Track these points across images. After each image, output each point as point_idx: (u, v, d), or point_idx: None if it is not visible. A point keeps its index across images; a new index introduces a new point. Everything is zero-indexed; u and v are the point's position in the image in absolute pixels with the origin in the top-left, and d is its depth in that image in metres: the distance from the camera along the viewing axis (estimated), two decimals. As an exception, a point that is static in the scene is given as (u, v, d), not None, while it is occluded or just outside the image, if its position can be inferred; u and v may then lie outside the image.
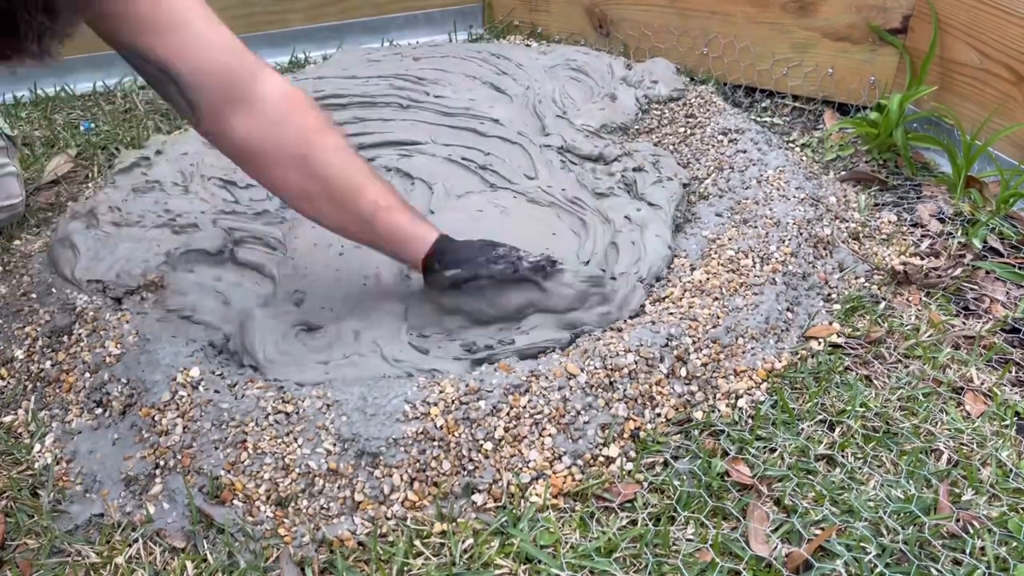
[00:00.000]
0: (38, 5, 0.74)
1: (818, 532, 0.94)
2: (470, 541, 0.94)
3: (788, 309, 1.25)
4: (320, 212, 1.09)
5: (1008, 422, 1.08)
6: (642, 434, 1.05)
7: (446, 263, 1.10)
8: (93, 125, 1.80)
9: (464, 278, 1.10)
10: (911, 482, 0.99)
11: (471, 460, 0.99)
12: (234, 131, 1.01)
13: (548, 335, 1.12)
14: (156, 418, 1.03)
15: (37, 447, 1.08)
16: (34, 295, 1.26)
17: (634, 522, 0.97)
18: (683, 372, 1.10)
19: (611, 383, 1.06)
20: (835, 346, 1.21)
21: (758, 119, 1.81)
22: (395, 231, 1.09)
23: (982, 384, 1.15)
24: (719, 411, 1.10)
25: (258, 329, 1.10)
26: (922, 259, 1.38)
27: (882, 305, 1.29)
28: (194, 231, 1.30)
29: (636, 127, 1.66)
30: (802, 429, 1.08)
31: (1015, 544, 0.92)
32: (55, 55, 0.79)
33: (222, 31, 1.00)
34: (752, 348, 1.16)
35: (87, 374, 1.12)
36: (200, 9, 0.98)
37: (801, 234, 1.36)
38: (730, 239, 1.34)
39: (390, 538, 0.95)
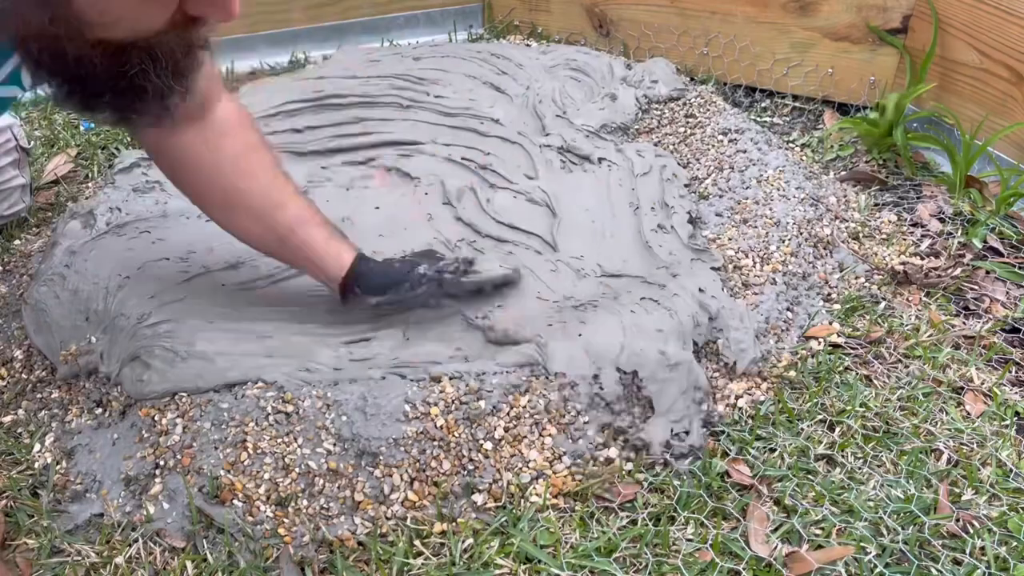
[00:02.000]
0: (167, 68, 0.77)
1: (818, 532, 0.94)
2: (470, 541, 0.94)
3: (788, 309, 1.25)
4: (240, 226, 1.11)
5: (1008, 422, 1.08)
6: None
7: (367, 287, 1.09)
8: (93, 125, 1.80)
9: (389, 303, 1.11)
10: (911, 482, 0.99)
11: (471, 460, 0.99)
12: (175, 140, 1.03)
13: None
14: (156, 418, 1.03)
15: (37, 447, 1.08)
16: (34, 295, 1.26)
17: (634, 522, 0.97)
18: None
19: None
20: (835, 346, 1.21)
21: (758, 119, 1.81)
22: (310, 248, 1.09)
23: (982, 384, 1.14)
24: (719, 411, 1.10)
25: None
26: (922, 259, 1.38)
27: (882, 305, 1.29)
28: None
29: (636, 127, 1.66)
30: (802, 429, 1.08)
31: (1015, 544, 0.92)
32: (173, 112, 0.83)
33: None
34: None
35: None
36: None
37: (801, 234, 1.36)
38: (730, 239, 1.35)
39: (390, 538, 0.95)
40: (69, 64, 0.72)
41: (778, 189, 1.44)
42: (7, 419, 1.12)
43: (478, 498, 0.98)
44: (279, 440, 0.99)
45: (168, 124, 0.86)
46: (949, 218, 1.48)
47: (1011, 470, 1.01)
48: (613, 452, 1.03)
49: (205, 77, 0.98)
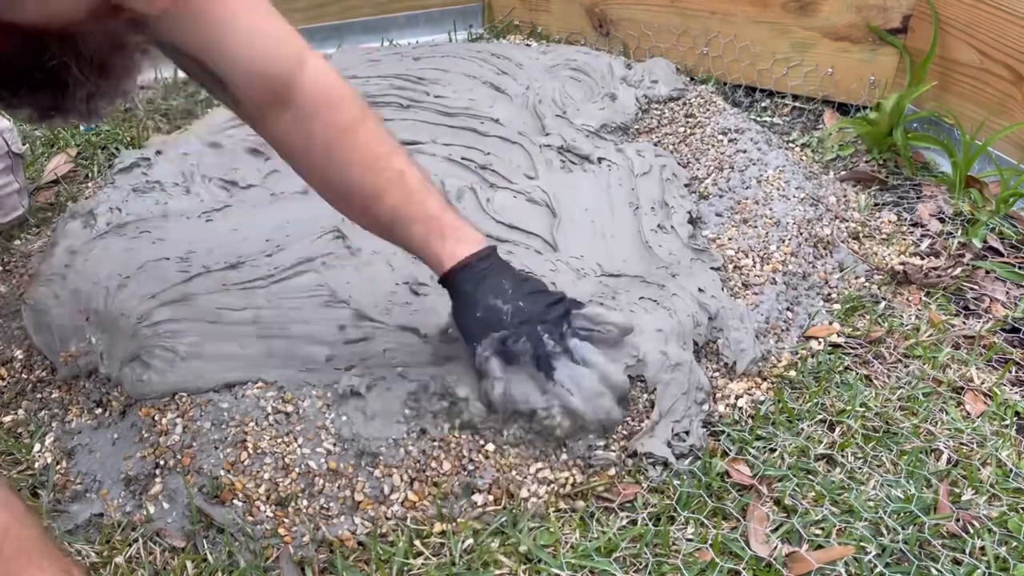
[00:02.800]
0: (92, 64, 0.71)
1: (818, 532, 0.94)
2: (470, 541, 0.94)
3: (788, 309, 1.25)
4: (344, 211, 1.06)
5: (1008, 422, 1.08)
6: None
7: (457, 321, 0.99)
8: (93, 125, 1.80)
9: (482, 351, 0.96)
10: (911, 482, 0.99)
11: (471, 460, 0.99)
12: (269, 127, 0.99)
13: None
14: (156, 418, 1.03)
15: (37, 447, 1.08)
16: (34, 295, 1.26)
17: (634, 522, 0.97)
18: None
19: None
20: (835, 346, 1.21)
21: (758, 119, 1.81)
22: (410, 249, 1.02)
23: (982, 384, 1.14)
24: (719, 411, 1.10)
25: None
26: (922, 259, 1.38)
27: (882, 305, 1.29)
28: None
29: (636, 127, 1.66)
30: (802, 429, 1.08)
31: (1015, 544, 0.92)
32: (102, 114, 0.77)
33: (266, 21, 0.94)
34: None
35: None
36: None
37: (801, 234, 1.36)
38: (730, 239, 1.35)
39: (390, 538, 0.95)
40: None
41: (778, 189, 1.44)
42: (7, 419, 1.12)
43: (478, 498, 0.98)
44: (279, 440, 0.99)
45: (96, 122, 0.80)
46: (949, 218, 1.48)
47: (1011, 470, 1.01)
48: (613, 452, 1.03)
49: (269, 49, 0.92)
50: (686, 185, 1.46)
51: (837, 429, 1.08)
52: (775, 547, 0.92)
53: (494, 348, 0.96)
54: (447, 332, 1.06)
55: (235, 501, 0.96)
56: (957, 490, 0.99)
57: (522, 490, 0.98)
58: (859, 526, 0.94)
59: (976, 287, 1.32)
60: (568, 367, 0.96)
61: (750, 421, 1.09)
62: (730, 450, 1.04)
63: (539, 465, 1.00)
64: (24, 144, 1.52)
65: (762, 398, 1.12)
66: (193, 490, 0.97)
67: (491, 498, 0.98)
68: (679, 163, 1.55)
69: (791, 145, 1.72)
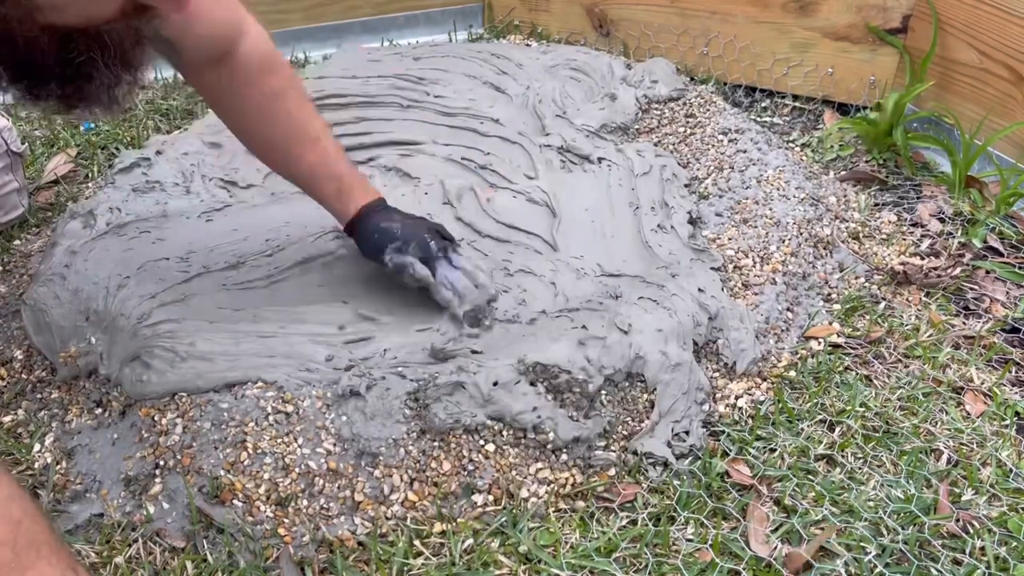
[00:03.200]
0: (115, 57, 0.76)
1: (818, 532, 0.94)
2: (470, 541, 0.94)
3: (788, 309, 1.25)
4: (263, 161, 1.23)
5: (1008, 422, 1.08)
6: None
7: (363, 250, 1.17)
8: (93, 125, 1.80)
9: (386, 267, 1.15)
10: (911, 482, 0.99)
11: (471, 460, 0.99)
12: (204, 82, 1.11)
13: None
14: (156, 418, 1.03)
15: (37, 447, 1.08)
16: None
17: (634, 522, 0.97)
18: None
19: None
20: (835, 346, 1.21)
21: (758, 119, 1.81)
22: (322, 202, 1.19)
23: (982, 384, 1.15)
24: (719, 411, 1.10)
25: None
26: (922, 259, 1.38)
27: (882, 305, 1.29)
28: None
29: (636, 127, 1.66)
30: (802, 429, 1.08)
31: (1015, 544, 0.92)
32: (123, 104, 0.83)
33: None
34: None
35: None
36: None
37: (801, 234, 1.36)
38: (730, 239, 1.35)
39: (390, 538, 0.95)
40: (19, 48, 0.72)
41: (778, 189, 1.44)
42: (7, 419, 1.12)
43: (478, 498, 0.98)
44: (279, 440, 0.99)
45: (117, 112, 0.86)
46: (949, 218, 1.48)
47: (1011, 470, 1.01)
48: (613, 452, 1.03)
49: (220, 23, 1.02)
50: (686, 185, 1.46)
51: (837, 429, 1.08)
52: (775, 547, 0.92)
53: (392, 253, 1.14)
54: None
55: (235, 501, 0.96)
56: (957, 490, 0.99)
57: (522, 490, 0.98)
58: (859, 526, 0.94)
59: (976, 287, 1.33)
60: (446, 268, 1.15)
61: (750, 421, 1.09)
62: (730, 450, 1.04)
63: (539, 465, 1.00)
64: (23, 143, 1.52)
65: (762, 398, 1.12)
66: (193, 490, 0.97)
67: (491, 498, 0.98)
68: (679, 163, 1.55)
69: (791, 145, 1.72)
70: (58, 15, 0.71)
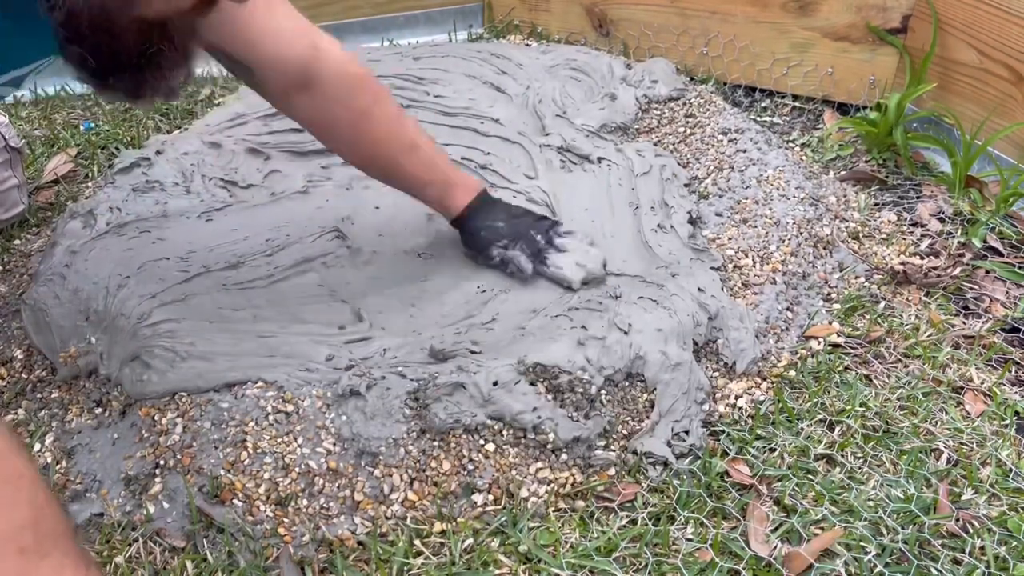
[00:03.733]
0: (179, 49, 0.81)
1: (818, 532, 0.94)
2: (470, 541, 0.94)
3: (788, 308, 1.25)
4: (367, 173, 1.28)
5: (1008, 422, 1.08)
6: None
7: (467, 245, 1.26)
8: (93, 125, 1.80)
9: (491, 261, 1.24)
10: (911, 482, 0.99)
11: (471, 460, 0.99)
12: (296, 110, 1.15)
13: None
14: (156, 418, 1.03)
15: (37, 447, 1.08)
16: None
17: (634, 522, 0.97)
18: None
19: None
20: (835, 346, 1.21)
21: (758, 119, 1.81)
22: (430, 206, 1.27)
23: (982, 384, 1.15)
24: (719, 411, 1.10)
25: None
26: (922, 259, 1.38)
27: (882, 305, 1.29)
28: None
29: (636, 127, 1.66)
30: (802, 429, 1.08)
31: (1015, 544, 0.92)
32: (178, 92, 0.89)
33: (282, 19, 1.08)
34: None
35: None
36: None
37: (801, 234, 1.36)
38: (730, 238, 1.35)
39: (390, 538, 0.95)
40: (114, 38, 0.76)
41: (778, 189, 1.44)
42: (7, 419, 1.12)
43: (478, 498, 0.98)
44: (279, 440, 0.99)
45: (173, 99, 0.91)
46: (949, 218, 1.48)
47: (1011, 470, 1.01)
48: (613, 452, 1.03)
49: (287, 43, 1.07)
50: (686, 185, 1.46)
51: (837, 429, 1.08)
52: (775, 547, 0.92)
53: (499, 250, 1.23)
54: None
55: (235, 501, 0.96)
56: (957, 490, 0.99)
57: (522, 490, 0.98)
58: (859, 526, 0.94)
59: (976, 287, 1.33)
60: (554, 255, 1.23)
61: (750, 421, 1.09)
62: (730, 450, 1.04)
63: (539, 465, 1.00)
64: (21, 140, 1.52)
65: (762, 398, 1.12)
66: (193, 490, 0.97)
67: (491, 498, 0.98)
68: (679, 163, 1.55)
69: (791, 145, 1.72)
70: (146, 6, 0.75)
